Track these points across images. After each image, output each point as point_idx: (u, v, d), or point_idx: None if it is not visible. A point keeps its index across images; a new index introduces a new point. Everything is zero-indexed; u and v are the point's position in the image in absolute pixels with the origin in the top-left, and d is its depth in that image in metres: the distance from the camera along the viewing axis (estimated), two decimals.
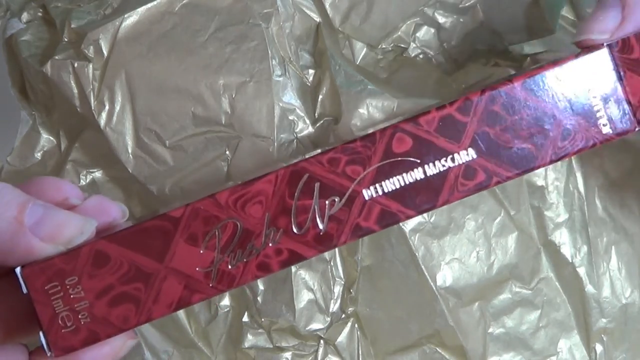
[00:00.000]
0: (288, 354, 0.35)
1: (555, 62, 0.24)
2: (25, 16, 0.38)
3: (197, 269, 0.23)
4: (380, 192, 0.23)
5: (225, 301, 0.35)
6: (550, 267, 0.35)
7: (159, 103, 0.35)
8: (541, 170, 0.35)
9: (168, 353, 0.36)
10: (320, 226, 0.23)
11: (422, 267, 0.34)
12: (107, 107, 0.35)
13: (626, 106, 0.24)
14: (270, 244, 0.23)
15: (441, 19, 0.40)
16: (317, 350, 0.35)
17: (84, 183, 0.37)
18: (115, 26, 0.35)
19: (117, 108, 0.35)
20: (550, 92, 0.24)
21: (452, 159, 0.23)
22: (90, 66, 0.35)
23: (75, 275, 0.23)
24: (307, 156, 0.24)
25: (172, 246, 0.23)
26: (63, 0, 0.37)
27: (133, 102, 0.35)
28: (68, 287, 0.23)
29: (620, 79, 0.24)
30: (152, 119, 0.35)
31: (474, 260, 0.34)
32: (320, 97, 0.36)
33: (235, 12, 0.35)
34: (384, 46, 0.40)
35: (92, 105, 0.35)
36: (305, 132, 0.35)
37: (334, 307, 0.35)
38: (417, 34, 0.40)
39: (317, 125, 0.35)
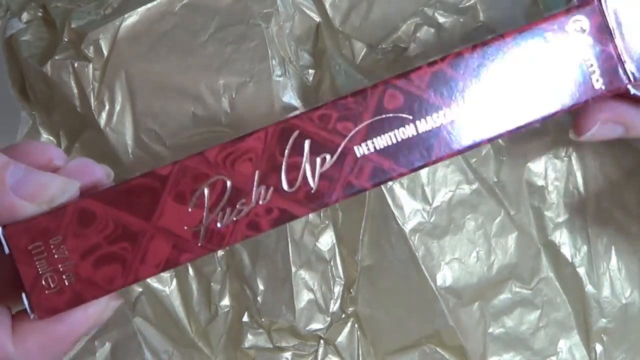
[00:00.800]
0: (288, 354, 0.35)
1: (547, 19, 0.24)
2: (25, 16, 0.38)
3: (186, 227, 0.23)
4: (372, 149, 0.23)
5: (226, 301, 0.36)
6: (550, 267, 0.35)
7: (159, 103, 0.35)
8: (541, 170, 0.35)
9: (168, 353, 0.36)
10: (312, 184, 0.23)
11: (422, 267, 0.34)
12: (107, 107, 0.35)
13: (617, 62, 0.24)
14: (260, 202, 0.23)
15: (441, 19, 0.40)
16: (317, 350, 0.35)
17: None
18: (116, 26, 0.35)
19: (117, 108, 0.35)
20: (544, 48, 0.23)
21: (444, 115, 0.23)
22: (90, 66, 0.35)
23: (59, 235, 0.22)
24: (297, 113, 0.24)
25: (159, 204, 0.23)
26: (63, 0, 0.37)
27: (133, 102, 0.35)
28: (52, 247, 0.22)
29: (611, 35, 0.24)
30: (152, 119, 0.35)
31: (474, 260, 0.34)
32: (321, 97, 0.36)
33: (235, 12, 0.35)
34: (384, 46, 0.40)
35: (92, 105, 0.35)
36: None
37: (334, 307, 0.35)
38: (417, 34, 0.40)
39: None
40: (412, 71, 0.23)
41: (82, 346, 0.35)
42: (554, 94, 0.23)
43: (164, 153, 0.35)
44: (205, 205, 0.23)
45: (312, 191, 0.23)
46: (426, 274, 0.34)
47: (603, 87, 0.24)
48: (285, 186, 0.23)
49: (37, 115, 0.37)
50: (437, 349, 0.34)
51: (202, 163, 0.23)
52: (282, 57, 0.35)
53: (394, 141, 0.23)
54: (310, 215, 0.35)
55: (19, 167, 0.23)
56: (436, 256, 0.34)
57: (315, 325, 0.35)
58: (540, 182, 0.35)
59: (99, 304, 0.23)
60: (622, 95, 0.25)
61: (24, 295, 0.23)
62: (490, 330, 0.34)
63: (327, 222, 0.35)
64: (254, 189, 0.23)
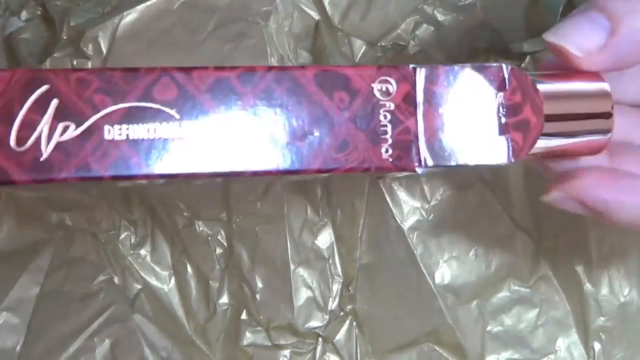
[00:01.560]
0: (286, 352, 0.35)
1: (357, 67, 0.21)
2: (24, 14, 0.38)
3: None
4: (124, 136, 0.19)
5: (224, 299, 0.36)
6: (548, 265, 0.35)
7: None
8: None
9: (167, 350, 0.36)
10: (43, 150, 0.19)
11: (421, 265, 0.34)
12: None
13: (412, 140, 0.21)
14: None
15: (441, 17, 0.40)
16: (315, 348, 0.35)
17: None
18: (114, 24, 0.35)
19: None
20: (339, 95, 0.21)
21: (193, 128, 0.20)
22: (90, 64, 0.35)
23: None
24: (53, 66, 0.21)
25: None
26: None
27: None
28: None
29: (415, 109, 0.21)
30: None
31: (473, 259, 0.34)
32: None
33: (234, 10, 0.35)
34: (383, 44, 0.40)
35: None
36: None
37: (333, 305, 0.35)
38: (417, 32, 0.40)
39: None
40: (198, 68, 0.20)
41: (81, 343, 0.36)
42: (338, 150, 0.21)
43: None
44: None
45: (41, 159, 0.19)
46: (424, 272, 0.34)
47: (390, 160, 0.21)
48: (12, 142, 0.19)
49: None
50: (435, 347, 0.35)
51: None
52: (281, 55, 0.35)
53: (150, 136, 0.20)
54: (309, 213, 0.35)
55: None
56: (434, 254, 0.34)
57: (313, 323, 0.35)
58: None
59: None
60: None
61: None
62: (489, 328, 0.34)
63: (325, 219, 0.35)
64: None
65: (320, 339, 0.35)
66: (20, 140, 0.19)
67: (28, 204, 0.36)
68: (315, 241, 0.35)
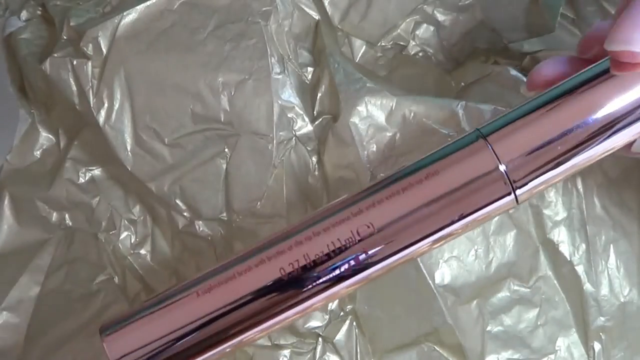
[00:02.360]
0: (286, 352, 0.35)
1: None
2: (24, 14, 0.38)
3: None
4: None
5: None
6: (548, 265, 0.35)
7: (158, 101, 0.35)
8: None
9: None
10: None
11: (421, 265, 0.34)
12: (106, 105, 0.35)
13: None
14: None
15: (441, 17, 0.40)
16: (315, 348, 0.35)
17: (83, 181, 0.37)
18: (114, 24, 0.35)
19: (116, 106, 0.35)
20: None
21: None
22: (89, 64, 0.35)
23: None
24: None
25: None
26: None
27: (132, 100, 0.35)
28: None
29: None
30: (151, 116, 0.35)
31: (473, 259, 0.34)
32: (319, 95, 0.36)
33: (234, 10, 0.35)
34: (383, 44, 0.40)
35: (91, 103, 0.35)
36: (304, 130, 0.35)
37: (333, 304, 0.35)
38: (417, 32, 0.40)
39: (316, 123, 0.35)
40: None
41: (81, 343, 0.36)
42: None
43: (162, 151, 0.35)
44: None
45: None
46: (425, 272, 0.34)
47: None
48: None
49: (36, 113, 0.37)
50: (435, 347, 0.34)
51: None
52: (281, 55, 0.35)
53: None
54: (309, 213, 0.35)
55: None
56: (435, 254, 0.34)
57: (313, 323, 0.35)
58: None
59: None
60: None
61: None
62: (489, 328, 0.34)
63: None
64: None
65: (320, 339, 0.35)
66: None
67: (28, 204, 0.36)
68: None
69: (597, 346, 0.35)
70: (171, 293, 0.27)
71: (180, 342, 0.25)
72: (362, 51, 0.39)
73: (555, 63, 0.28)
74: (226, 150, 0.35)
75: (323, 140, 0.35)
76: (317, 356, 0.35)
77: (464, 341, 0.34)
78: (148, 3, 0.35)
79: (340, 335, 0.35)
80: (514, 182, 0.25)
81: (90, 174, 0.37)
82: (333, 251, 0.25)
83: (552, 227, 0.35)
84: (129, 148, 0.35)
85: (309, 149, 0.35)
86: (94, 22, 0.35)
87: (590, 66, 0.26)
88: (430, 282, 0.34)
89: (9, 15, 0.38)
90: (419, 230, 0.25)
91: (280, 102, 0.35)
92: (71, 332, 0.35)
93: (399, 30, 0.40)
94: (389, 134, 0.34)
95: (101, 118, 0.35)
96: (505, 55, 0.39)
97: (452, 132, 0.33)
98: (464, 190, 0.25)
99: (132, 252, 0.36)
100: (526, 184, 0.25)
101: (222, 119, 0.34)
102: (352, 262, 0.25)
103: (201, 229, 0.35)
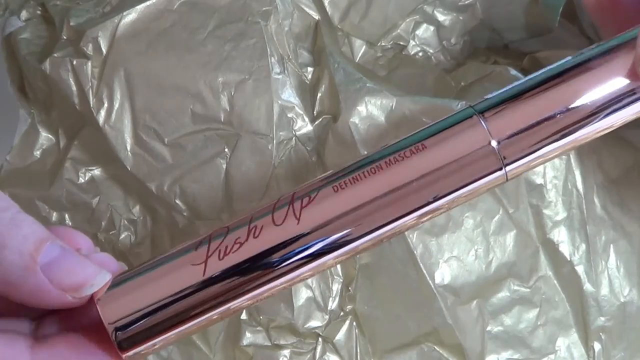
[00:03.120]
0: (286, 352, 0.35)
1: None
2: (24, 14, 0.38)
3: None
4: None
5: None
6: (548, 265, 0.35)
7: (158, 101, 0.35)
8: (540, 169, 0.35)
9: (167, 350, 0.36)
10: None
11: (421, 265, 0.34)
12: (106, 105, 0.35)
13: None
14: None
15: (441, 17, 0.40)
16: (315, 348, 0.35)
17: (82, 181, 0.37)
18: (114, 24, 0.35)
19: (116, 106, 0.35)
20: None
21: None
22: (89, 64, 0.35)
23: None
24: None
25: None
26: None
27: (132, 100, 0.35)
28: None
29: None
30: (151, 116, 0.35)
31: (472, 259, 0.34)
32: (319, 95, 0.36)
33: (234, 9, 0.35)
34: (383, 44, 0.40)
35: (91, 103, 0.35)
36: (304, 130, 0.35)
37: (333, 304, 0.35)
38: (417, 32, 0.40)
39: (316, 123, 0.35)
40: None
41: None
42: None
43: (162, 151, 0.35)
44: None
45: None
46: (424, 272, 0.34)
47: None
48: None
49: (35, 113, 0.37)
50: (435, 347, 0.34)
51: None
52: (281, 55, 0.35)
53: None
54: None
55: (56, 246, 0.23)
56: (434, 254, 0.34)
57: (313, 323, 0.35)
58: (539, 180, 0.35)
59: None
60: None
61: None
62: (489, 328, 0.34)
63: None
64: None
65: (320, 339, 0.35)
66: None
67: (28, 204, 0.36)
68: None
69: (597, 346, 0.35)
70: (172, 254, 0.26)
71: (182, 302, 0.24)
72: (362, 51, 0.39)
73: None
74: (226, 150, 0.35)
75: (323, 140, 0.35)
76: (317, 356, 0.35)
77: (464, 341, 0.34)
78: (148, 3, 0.35)
79: (340, 335, 0.35)
80: (504, 158, 0.25)
81: (90, 174, 0.37)
82: (325, 222, 0.25)
83: (552, 227, 0.35)
84: (129, 148, 0.35)
85: (308, 149, 0.35)
86: (93, 22, 0.35)
87: (591, 47, 0.26)
88: (430, 282, 0.34)
89: (9, 15, 0.38)
90: (407, 205, 0.25)
91: (280, 102, 0.35)
92: None
93: (398, 30, 0.40)
94: (389, 134, 0.34)
95: (101, 118, 0.35)
96: (505, 55, 0.39)
97: None
98: (454, 164, 0.25)
99: (132, 252, 0.36)
100: (517, 160, 0.25)
101: (222, 119, 0.34)
102: (341, 234, 0.25)
103: (201, 229, 0.35)
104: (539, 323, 0.35)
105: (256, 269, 0.25)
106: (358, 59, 0.39)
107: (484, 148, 0.25)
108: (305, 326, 0.35)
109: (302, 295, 0.35)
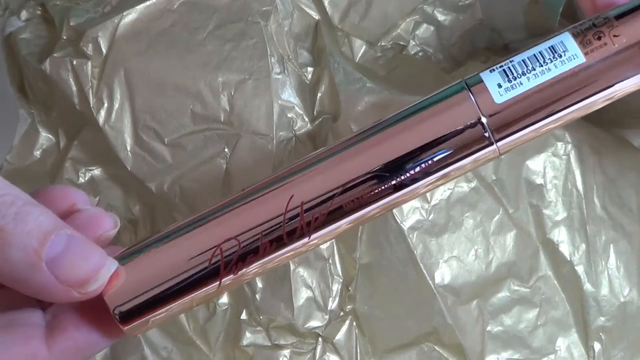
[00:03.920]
0: (286, 352, 0.35)
1: None
2: (24, 14, 0.38)
3: None
4: None
5: (224, 299, 0.36)
6: (548, 265, 0.35)
7: (158, 101, 0.35)
8: (540, 168, 0.35)
9: (167, 350, 0.36)
10: None
11: (421, 265, 0.34)
12: (106, 105, 0.35)
13: None
14: None
15: (441, 17, 0.40)
16: (315, 348, 0.35)
17: (83, 181, 0.37)
18: (114, 24, 0.35)
19: (116, 105, 0.35)
20: None
21: None
22: (89, 64, 0.35)
23: None
24: None
25: None
26: None
27: (132, 100, 0.35)
28: None
29: None
30: (151, 116, 0.35)
31: (473, 258, 0.34)
32: (319, 94, 0.36)
33: (234, 9, 0.35)
34: (383, 44, 0.40)
35: (91, 103, 0.35)
36: (304, 130, 0.35)
37: (333, 304, 0.35)
38: (417, 32, 0.40)
39: (316, 122, 0.35)
40: None
41: None
42: None
43: (162, 151, 0.35)
44: None
45: None
46: (424, 272, 0.34)
47: None
48: None
49: (35, 113, 0.37)
50: (435, 347, 0.35)
51: None
52: (281, 55, 0.35)
53: None
54: None
55: (61, 236, 0.23)
56: (434, 254, 0.34)
57: (313, 323, 0.35)
58: (539, 180, 0.35)
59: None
60: None
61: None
62: (489, 328, 0.34)
63: None
64: None
65: (320, 339, 0.35)
66: None
67: None
68: None
69: (597, 346, 0.35)
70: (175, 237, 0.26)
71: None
72: (362, 51, 0.39)
73: None
74: (226, 150, 0.35)
75: (323, 140, 0.35)
76: (317, 356, 0.35)
77: (464, 341, 0.34)
78: (148, 3, 0.35)
79: (340, 335, 0.35)
80: (496, 132, 0.25)
81: (90, 174, 0.37)
82: (310, 200, 0.25)
83: (552, 227, 0.35)
84: (129, 148, 0.35)
85: (309, 148, 0.35)
86: (93, 22, 0.35)
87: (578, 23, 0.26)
88: (430, 282, 0.34)
89: (9, 15, 0.38)
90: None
91: (280, 102, 0.35)
92: None
93: (398, 30, 0.40)
94: None
95: (101, 118, 0.35)
96: (505, 55, 0.39)
97: None
98: (444, 140, 0.25)
99: None
100: (508, 135, 0.25)
101: (222, 119, 0.34)
102: (339, 205, 0.25)
103: None
104: (539, 323, 0.35)
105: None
106: (358, 59, 0.39)
107: (472, 124, 0.25)
108: (305, 326, 0.35)
109: (302, 295, 0.35)
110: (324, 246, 0.35)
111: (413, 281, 0.34)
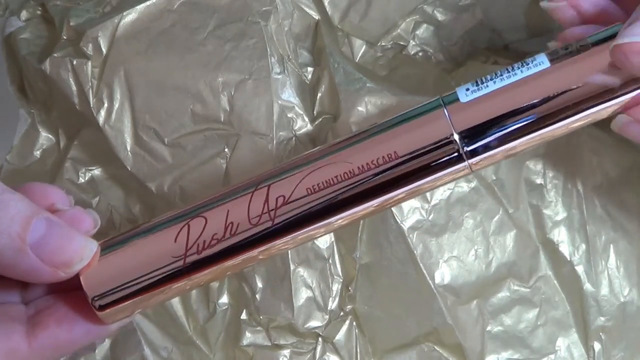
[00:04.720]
0: (286, 352, 0.35)
1: None
2: (24, 14, 0.38)
3: None
4: None
5: (224, 299, 0.36)
6: (548, 265, 0.35)
7: (158, 101, 0.35)
8: (540, 169, 0.35)
9: (167, 350, 0.36)
10: None
11: (421, 265, 0.34)
12: (106, 105, 0.35)
13: None
14: None
15: (441, 17, 0.40)
16: (315, 348, 0.35)
17: (83, 181, 0.37)
18: (114, 24, 0.35)
19: (116, 106, 0.35)
20: None
21: None
22: (89, 64, 0.35)
23: None
24: None
25: None
26: None
27: (132, 100, 0.35)
28: None
29: None
30: (151, 116, 0.35)
31: (473, 259, 0.34)
32: (319, 94, 0.36)
33: (234, 9, 0.35)
34: (383, 44, 0.40)
35: (91, 103, 0.35)
36: (304, 130, 0.35)
37: (333, 304, 0.35)
38: (417, 32, 0.40)
39: (316, 123, 0.35)
40: None
41: None
42: None
43: (162, 151, 0.35)
44: None
45: None
46: (424, 272, 0.34)
47: None
48: None
49: (35, 113, 0.37)
50: (435, 347, 0.35)
51: None
52: (281, 55, 0.35)
53: None
54: None
55: (42, 220, 0.23)
56: (434, 254, 0.34)
57: (313, 323, 0.35)
58: (539, 181, 0.35)
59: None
60: None
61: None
62: (489, 328, 0.34)
63: None
64: None
65: (320, 339, 0.35)
66: None
67: None
68: (315, 241, 0.35)
69: (597, 346, 0.35)
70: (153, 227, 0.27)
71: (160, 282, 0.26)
72: (362, 51, 0.39)
73: None
74: (226, 150, 0.35)
75: (323, 140, 0.35)
76: (317, 356, 0.35)
77: (464, 341, 0.34)
78: (148, 3, 0.35)
79: (340, 335, 0.35)
80: (467, 150, 0.26)
81: (90, 174, 0.37)
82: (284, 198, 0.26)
83: (552, 227, 0.35)
84: (129, 148, 0.35)
85: (309, 149, 0.35)
86: (93, 22, 0.35)
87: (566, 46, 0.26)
88: (430, 282, 0.34)
89: (9, 15, 0.38)
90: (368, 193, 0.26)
91: (280, 102, 0.35)
92: None
93: (399, 30, 0.40)
94: None
95: (101, 118, 0.35)
96: (505, 55, 0.39)
97: None
98: (418, 155, 0.26)
99: None
100: (480, 153, 0.26)
101: (222, 119, 0.34)
102: (311, 211, 0.26)
103: None
104: (539, 323, 0.35)
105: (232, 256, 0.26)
106: (358, 59, 0.39)
107: (445, 140, 0.26)
108: (305, 326, 0.35)
109: (302, 295, 0.35)
110: (324, 246, 0.35)
111: (413, 281, 0.34)
